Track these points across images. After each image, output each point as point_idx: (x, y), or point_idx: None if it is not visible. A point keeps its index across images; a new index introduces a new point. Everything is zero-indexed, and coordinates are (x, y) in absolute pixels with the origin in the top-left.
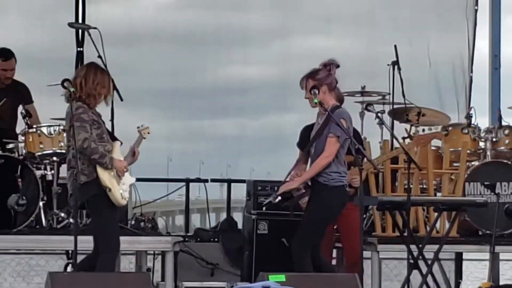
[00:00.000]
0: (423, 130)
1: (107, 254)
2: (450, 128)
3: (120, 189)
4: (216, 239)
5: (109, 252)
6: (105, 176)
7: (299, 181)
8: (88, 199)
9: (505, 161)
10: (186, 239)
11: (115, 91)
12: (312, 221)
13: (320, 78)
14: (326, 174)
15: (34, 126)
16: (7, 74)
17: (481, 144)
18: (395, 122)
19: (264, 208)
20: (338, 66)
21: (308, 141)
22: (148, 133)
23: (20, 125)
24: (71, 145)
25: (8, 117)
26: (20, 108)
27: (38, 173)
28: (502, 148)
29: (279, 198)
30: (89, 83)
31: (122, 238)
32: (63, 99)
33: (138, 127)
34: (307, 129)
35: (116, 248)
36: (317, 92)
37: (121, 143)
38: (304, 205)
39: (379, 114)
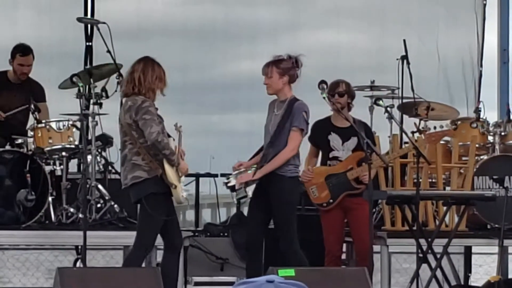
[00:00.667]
0: (434, 127)
1: (172, 252)
2: (459, 122)
3: (181, 187)
4: (226, 234)
5: (174, 250)
6: (172, 173)
7: (261, 173)
8: (146, 196)
9: None
10: (196, 234)
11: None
12: (287, 217)
13: (285, 68)
14: (284, 165)
15: (43, 121)
16: (24, 69)
17: (490, 138)
18: (404, 116)
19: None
20: (301, 64)
21: (320, 135)
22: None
23: (29, 121)
24: (129, 140)
25: (21, 114)
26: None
27: (47, 168)
28: (511, 142)
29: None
30: (148, 77)
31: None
32: (73, 95)
33: (175, 125)
34: (319, 124)
35: (179, 245)
36: (325, 86)
37: (174, 140)
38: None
39: (388, 109)
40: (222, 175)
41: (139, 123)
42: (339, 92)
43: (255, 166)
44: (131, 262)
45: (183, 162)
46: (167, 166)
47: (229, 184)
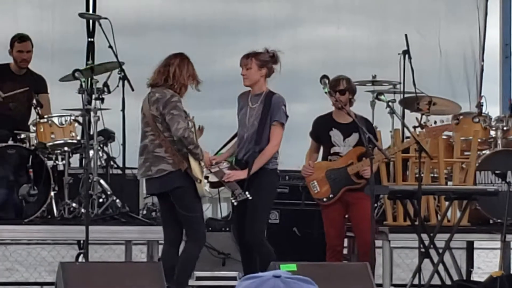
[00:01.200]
0: (435, 122)
1: (194, 243)
2: (461, 117)
3: (205, 182)
4: (227, 229)
5: (197, 241)
6: (197, 168)
7: (252, 171)
8: (172, 190)
9: None
10: None
11: (126, 81)
12: (262, 207)
13: (264, 60)
14: None
15: (46, 116)
16: (23, 55)
17: (492, 133)
18: (406, 111)
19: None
20: (279, 61)
21: (321, 131)
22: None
23: (31, 116)
24: (151, 131)
25: (24, 108)
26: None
27: (50, 163)
28: None
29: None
30: (184, 73)
31: (134, 228)
32: (75, 90)
33: (198, 126)
34: (320, 119)
35: (203, 238)
36: (326, 81)
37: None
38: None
39: (390, 103)
40: None
41: (166, 117)
42: (339, 90)
43: (228, 160)
44: (191, 255)
45: (206, 152)
46: (192, 161)
47: (209, 180)
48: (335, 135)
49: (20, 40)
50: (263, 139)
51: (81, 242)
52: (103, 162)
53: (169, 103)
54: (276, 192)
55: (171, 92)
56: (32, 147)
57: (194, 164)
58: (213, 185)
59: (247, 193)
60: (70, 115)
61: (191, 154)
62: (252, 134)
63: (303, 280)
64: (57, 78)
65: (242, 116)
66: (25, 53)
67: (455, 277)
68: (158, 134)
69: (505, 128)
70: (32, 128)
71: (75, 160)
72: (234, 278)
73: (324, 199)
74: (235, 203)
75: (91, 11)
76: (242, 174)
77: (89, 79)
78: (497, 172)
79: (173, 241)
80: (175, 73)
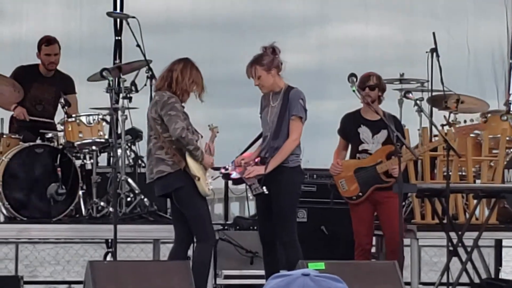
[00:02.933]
0: (465, 121)
1: (205, 243)
2: (489, 115)
3: (206, 179)
4: (255, 227)
5: (207, 241)
6: (195, 166)
7: (271, 167)
8: (173, 191)
9: None
10: (226, 227)
11: (153, 80)
12: (287, 206)
13: (267, 63)
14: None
15: (73, 115)
16: (51, 59)
17: None
18: (434, 109)
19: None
20: (279, 51)
21: (350, 128)
22: (217, 132)
23: (59, 115)
24: (154, 134)
25: (51, 108)
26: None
27: (78, 162)
28: None
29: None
30: (185, 79)
31: (162, 227)
32: (102, 89)
33: (209, 126)
34: (349, 116)
35: (213, 236)
36: (354, 80)
37: (202, 136)
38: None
39: (417, 102)
40: None
41: (164, 118)
42: (369, 85)
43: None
44: (204, 255)
45: (207, 156)
46: (189, 159)
47: (232, 176)
48: (364, 132)
49: (48, 43)
50: (281, 135)
51: (109, 241)
52: (131, 161)
53: (166, 104)
54: (300, 189)
55: (169, 94)
56: (60, 146)
57: (191, 162)
58: (235, 182)
59: (264, 187)
60: (98, 114)
61: (190, 154)
62: (273, 132)
63: (332, 278)
64: (85, 77)
65: (264, 115)
66: (53, 56)
67: (484, 276)
68: (159, 136)
69: None
70: (60, 127)
71: (103, 159)
72: (262, 277)
73: (353, 198)
74: (251, 197)
75: (118, 10)
76: (261, 170)
77: (117, 78)
78: None
79: (182, 241)
80: (177, 79)
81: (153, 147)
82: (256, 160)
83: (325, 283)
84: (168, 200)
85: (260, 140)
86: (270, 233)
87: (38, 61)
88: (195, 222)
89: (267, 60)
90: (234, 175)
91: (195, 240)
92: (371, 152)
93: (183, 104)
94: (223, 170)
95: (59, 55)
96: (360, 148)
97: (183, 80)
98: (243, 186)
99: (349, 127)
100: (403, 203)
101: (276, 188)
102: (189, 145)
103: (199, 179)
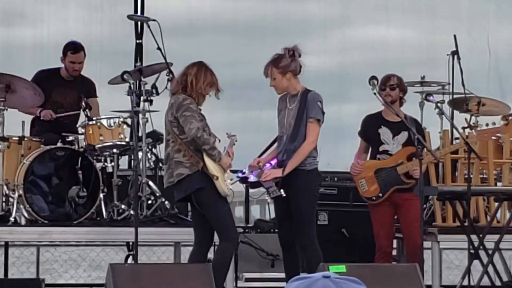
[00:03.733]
0: (487, 124)
1: (227, 243)
2: (510, 117)
3: (225, 179)
4: (276, 230)
5: (230, 241)
6: (213, 165)
7: (288, 169)
8: (192, 193)
9: None
10: (246, 230)
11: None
12: (305, 210)
13: (284, 66)
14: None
15: (94, 118)
16: (75, 67)
17: None
18: (455, 112)
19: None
20: (300, 54)
21: (370, 128)
22: (236, 140)
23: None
24: (171, 138)
25: (73, 111)
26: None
27: (98, 165)
28: None
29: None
30: (200, 83)
31: (183, 230)
32: (123, 92)
33: (227, 134)
34: (370, 118)
35: (235, 236)
36: (376, 82)
37: (220, 141)
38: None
39: (438, 104)
40: None
41: (180, 119)
42: (390, 85)
43: (271, 162)
44: (225, 255)
45: (225, 156)
46: (207, 159)
47: (249, 180)
48: (384, 133)
49: (74, 51)
50: (298, 137)
51: (130, 243)
52: (151, 163)
53: (182, 106)
54: (318, 192)
55: (184, 96)
56: (81, 149)
57: (209, 162)
58: (253, 185)
59: (282, 190)
60: (119, 117)
61: (207, 154)
62: (290, 134)
63: (353, 280)
64: (105, 79)
65: (281, 118)
66: (77, 64)
67: (505, 279)
68: (176, 139)
69: None
70: (81, 130)
71: (124, 162)
72: (283, 280)
73: (373, 198)
74: (269, 199)
75: (139, 13)
76: (278, 173)
77: (138, 80)
78: None
79: (202, 243)
80: (192, 83)
81: (171, 151)
82: (273, 162)
83: (346, 285)
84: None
85: (276, 144)
86: (290, 236)
87: (59, 65)
88: (217, 222)
89: (283, 63)
90: (251, 178)
91: (217, 240)
92: (392, 153)
93: (199, 107)
94: (240, 174)
95: (83, 62)
96: (381, 149)
97: (198, 83)
98: (263, 189)
99: (370, 128)
100: (424, 206)
101: (294, 192)
102: (204, 145)
103: (217, 178)
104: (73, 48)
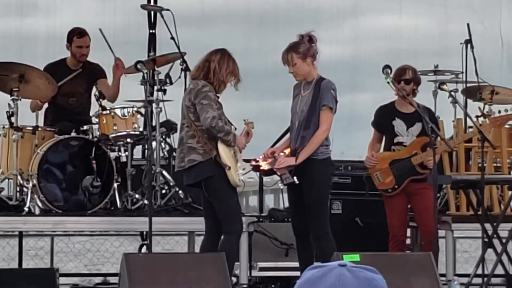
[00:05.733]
0: (499, 111)
1: (232, 235)
2: None
3: (237, 170)
4: (290, 219)
5: (235, 233)
6: (226, 155)
7: (302, 157)
8: (203, 180)
9: None
10: (260, 219)
11: (188, 72)
12: (319, 199)
13: (304, 51)
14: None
15: (108, 108)
16: (83, 51)
17: None
18: (469, 100)
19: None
20: (316, 39)
21: (384, 120)
22: (253, 127)
23: (94, 107)
24: (186, 123)
25: (84, 100)
26: (94, 90)
27: (112, 154)
28: None
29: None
30: (223, 70)
31: (196, 219)
32: (137, 81)
33: (244, 120)
34: (383, 109)
35: (240, 228)
36: (389, 71)
37: (236, 129)
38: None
39: (452, 93)
40: None
41: (197, 107)
42: (405, 79)
43: (285, 151)
44: (230, 247)
45: (240, 137)
46: (221, 148)
47: (262, 168)
48: (398, 124)
49: (80, 35)
50: (311, 125)
51: (144, 233)
52: (165, 153)
53: (200, 92)
54: (331, 181)
55: (203, 82)
56: (95, 139)
57: (222, 151)
58: (266, 173)
59: (295, 178)
60: (133, 107)
61: (222, 141)
62: (302, 121)
63: (369, 269)
64: None
65: (294, 104)
66: (85, 48)
67: None
68: (191, 125)
69: None
70: (95, 120)
71: (137, 151)
72: (297, 269)
73: (389, 190)
74: (282, 186)
75: (152, 2)
76: (291, 161)
77: (151, 70)
78: None
79: (212, 232)
80: (215, 69)
81: (185, 136)
82: (286, 151)
83: (362, 273)
84: None
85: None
86: (303, 225)
87: (64, 55)
88: (223, 212)
89: (303, 48)
90: (265, 166)
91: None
92: (406, 145)
93: (218, 95)
94: (253, 162)
95: (89, 47)
96: (395, 140)
97: (220, 71)
98: (277, 177)
99: (384, 120)
100: (438, 195)
101: (307, 181)
102: (220, 133)
103: (229, 168)
104: (78, 33)
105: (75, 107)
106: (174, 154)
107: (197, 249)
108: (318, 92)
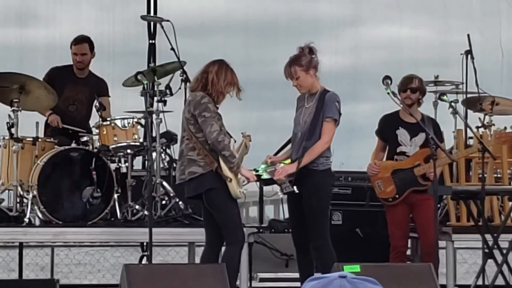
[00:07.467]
0: (505, 128)
1: (234, 246)
2: None
3: (238, 182)
4: (290, 230)
5: (237, 244)
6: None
7: (301, 166)
8: (204, 192)
9: None
10: (261, 230)
11: (188, 83)
12: (318, 210)
13: (306, 63)
14: (316, 158)
15: (108, 118)
16: (78, 58)
17: None
18: (469, 111)
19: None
20: (316, 50)
21: (388, 129)
22: (250, 140)
23: (94, 118)
24: (187, 135)
25: (85, 109)
26: (95, 102)
27: (112, 165)
28: None
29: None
30: (221, 81)
31: (197, 230)
32: (136, 92)
33: (242, 133)
34: (387, 118)
35: (242, 239)
36: (389, 82)
37: (236, 141)
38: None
39: (452, 104)
40: None
41: (198, 119)
42: (411, 87)
43: (285, 162)
44: (232, 259)
45: (245, 170)
46: (222, 160)
47: (262, 177)
48: (402, 134)
49: (76, 42)
50: (314, 135)
51: (145, 244)
52: (165, 164)
53: (199, 104)
54: (331, 192)
55: (202, 93)
56: (95, 150)
57: (223, 163)
58: (266, 182)
59: (295, 187)
60: (133, 118)
61: (224, 161)
62: (304, 132)
63: (369, 280)
64: (118, 80)
65: (297, 115)
66: (80, 56)
67: None
68: (191, 137)
69: None
70: (95, 131)
71: (138, 162)
72: (297, 280)
73: (389, 199)
74: (281, 196)
75: (152, 13)
76: (291, 169)
77: (152, 81)
78: None
79: (213, 243)
80: (213, 81)
81: (185, 148)
82: (287, 162)
83: (362, 285)
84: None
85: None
86: (303, 236)
87: (72, 63)
88: (225, 224)
89: (305, 60)
90: (265, 175)
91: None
92: (409, 155)
93: (217, 106)
94: (253, 172)
95: (88, 55)
96: (398, 150)
97: (219, 82)
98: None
99: (387, 128)
100: (438, 205)
101: (307, 192)
102: (224, 151)
103: (231, 180)
104: (75, 40)
105: (74, 115)
106: (175, 165)
107: (197, 260)
108: (322, 104)
